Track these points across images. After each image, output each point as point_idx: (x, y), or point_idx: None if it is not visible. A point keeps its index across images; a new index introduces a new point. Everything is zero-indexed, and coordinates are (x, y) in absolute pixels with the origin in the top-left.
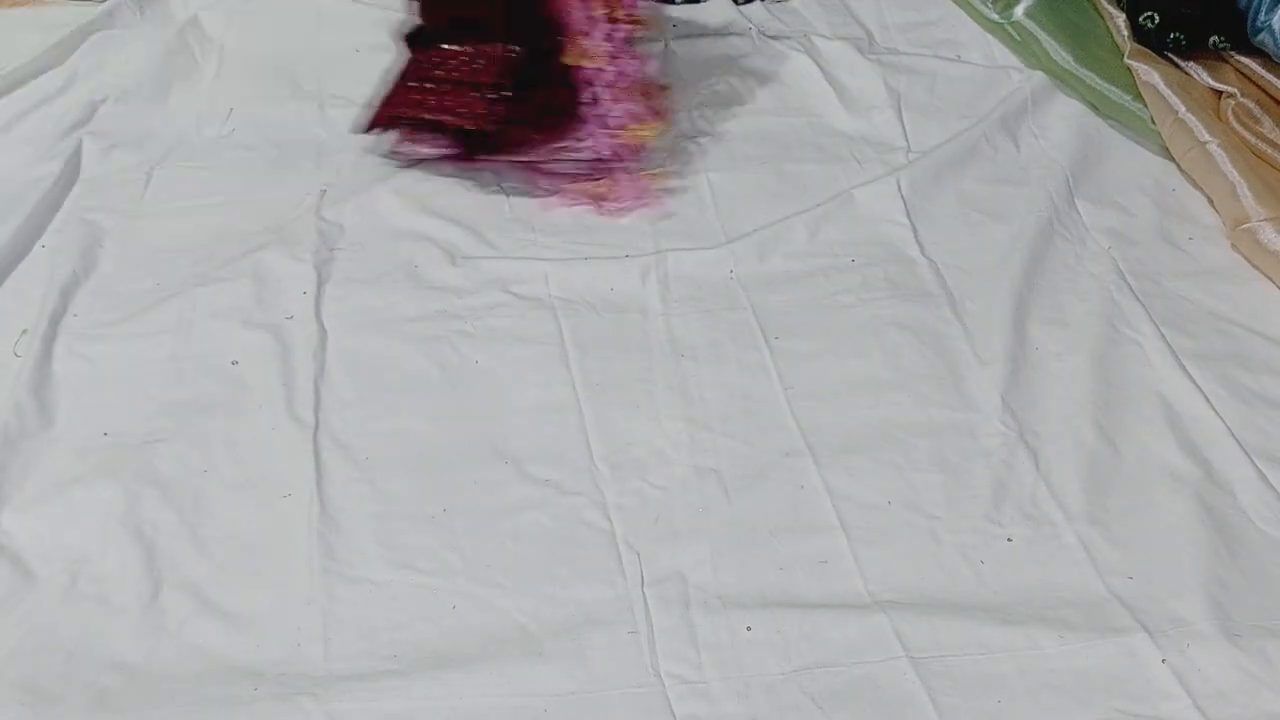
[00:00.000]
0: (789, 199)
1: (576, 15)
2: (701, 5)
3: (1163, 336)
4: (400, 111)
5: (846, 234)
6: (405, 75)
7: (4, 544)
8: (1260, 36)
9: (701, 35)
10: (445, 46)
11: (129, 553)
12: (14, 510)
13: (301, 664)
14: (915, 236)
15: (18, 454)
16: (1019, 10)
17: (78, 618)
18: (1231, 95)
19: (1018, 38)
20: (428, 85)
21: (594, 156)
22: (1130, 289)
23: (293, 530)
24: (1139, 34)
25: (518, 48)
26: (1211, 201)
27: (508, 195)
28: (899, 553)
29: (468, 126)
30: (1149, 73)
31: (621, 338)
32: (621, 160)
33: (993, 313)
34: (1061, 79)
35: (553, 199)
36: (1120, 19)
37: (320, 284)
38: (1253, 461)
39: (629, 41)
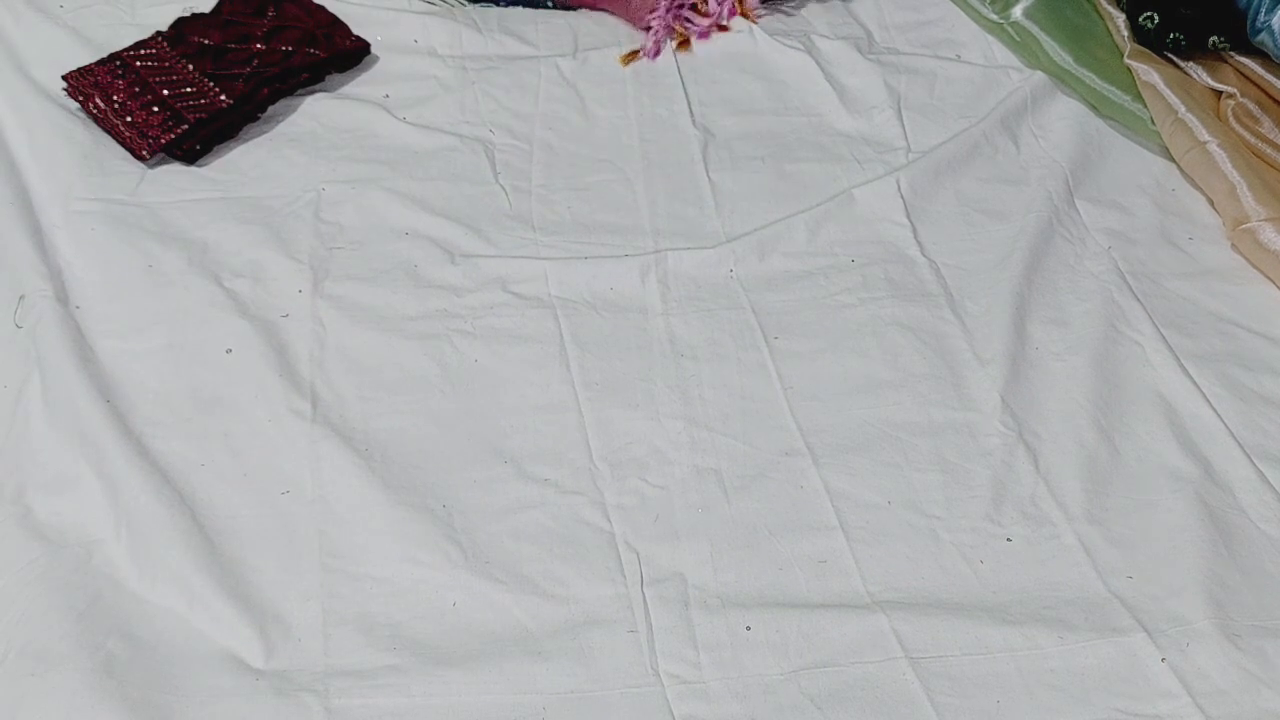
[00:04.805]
0: (789, 199)
1: None
2: None
3: (1163, 336)
4: None
5: (846, 234)
6: None
7: (25, 520)
8: (1260, 36)
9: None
10: None
11: (132, 542)
12: (35, 490)
13: (301, 659)
14: (915, 236)
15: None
16: (1018, 10)
17: (91, 585)
18: (1231, 95)
19: (1017, 38)
20: None
21: None
22: (1130, 289)
23: (292, 526)
24: (1139, 34)
25: None
26: (1211, 201)
27: (507, 192)
28: (898, 553)
29: None
30: (1149, 73)
31: (621, 337)
32: None
33: (993, 313)
34: (1061, 79)
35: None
36: (1120, 19)
37: (317, 282)
38: (1252, 461)
39: None
